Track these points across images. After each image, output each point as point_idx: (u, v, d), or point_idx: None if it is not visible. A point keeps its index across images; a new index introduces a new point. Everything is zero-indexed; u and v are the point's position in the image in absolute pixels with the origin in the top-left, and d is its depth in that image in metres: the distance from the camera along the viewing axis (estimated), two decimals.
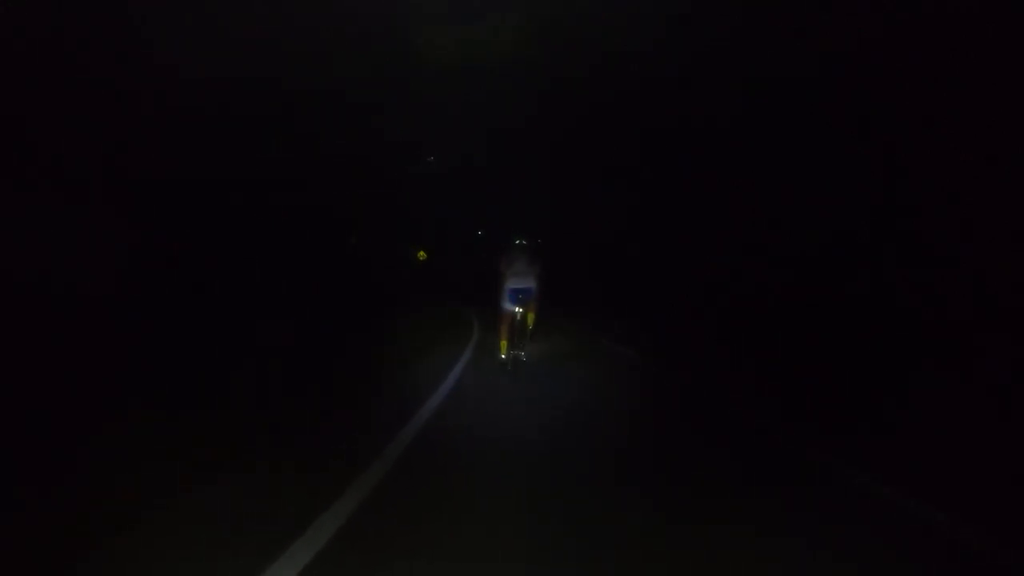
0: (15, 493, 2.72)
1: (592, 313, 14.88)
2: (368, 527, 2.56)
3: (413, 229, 25.98)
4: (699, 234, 13.91)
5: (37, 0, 6.01)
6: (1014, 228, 6.22)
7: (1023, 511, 2.92)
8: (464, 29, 12.63)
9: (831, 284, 8.75)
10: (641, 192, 17.31)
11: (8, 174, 5.66)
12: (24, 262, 5.35)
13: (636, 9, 11.19)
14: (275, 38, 9.34)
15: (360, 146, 15.31)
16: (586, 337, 11.48)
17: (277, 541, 2.32)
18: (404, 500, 2.92)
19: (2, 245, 5.29)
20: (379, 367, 7.13)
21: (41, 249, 5.58)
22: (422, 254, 16.19)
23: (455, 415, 4.77)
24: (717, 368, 7.80)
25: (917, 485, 3.24)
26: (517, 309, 6.62)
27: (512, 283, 6.58)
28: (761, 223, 11.19)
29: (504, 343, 6.74)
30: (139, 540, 2.35)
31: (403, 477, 3.21)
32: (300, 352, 7.37)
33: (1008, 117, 6.41)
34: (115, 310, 6.23)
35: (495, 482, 3.26)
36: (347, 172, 14.87)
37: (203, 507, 2.69)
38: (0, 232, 5.28)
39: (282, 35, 9.51)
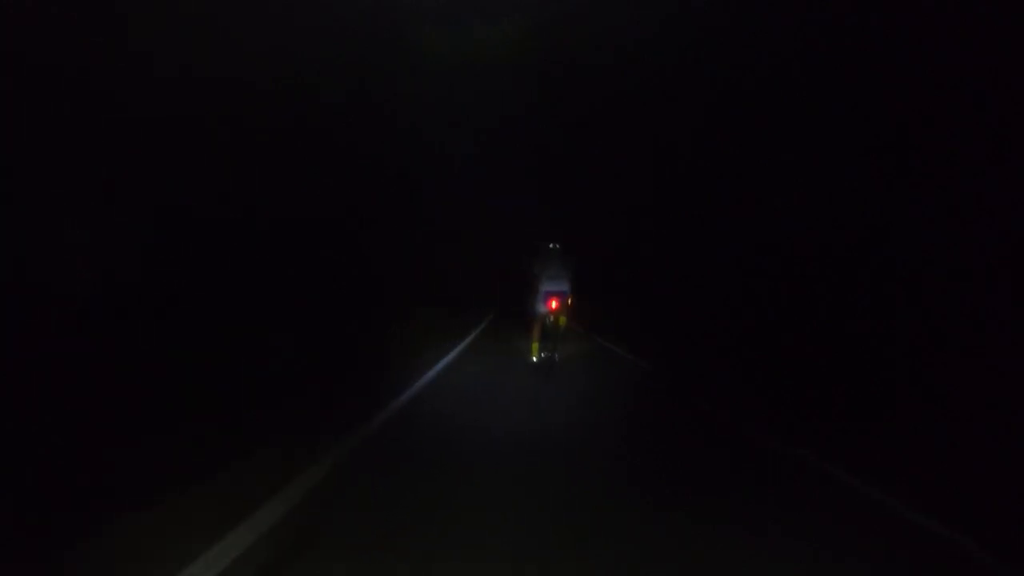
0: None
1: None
2: None
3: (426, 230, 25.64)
4: (700, 233, 13.90)
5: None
6: (1015, 228, 6.22)
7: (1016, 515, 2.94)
8: (465, 29, 12.61)
9: (834, 284, 8.75)
10: (642, 191, 17.32)
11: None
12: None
13: (636, 9, 11.20)
14: (274, 39, 9.29)
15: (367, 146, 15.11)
16: None
17: None
18: None
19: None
20: None
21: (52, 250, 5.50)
22: None
23: None
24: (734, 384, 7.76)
25: (916, 490, 3.25)
26: (549, 313, 7.00)
27: (547, 286, 6.96)
28: (762, 223, 11.18)
29: (535, 345, 7.14)
30: None
31: None
32: None
33: (1009, 116, 6.41)
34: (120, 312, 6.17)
35: None
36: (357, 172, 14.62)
37: None
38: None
39: (281, 36, 9.46)
